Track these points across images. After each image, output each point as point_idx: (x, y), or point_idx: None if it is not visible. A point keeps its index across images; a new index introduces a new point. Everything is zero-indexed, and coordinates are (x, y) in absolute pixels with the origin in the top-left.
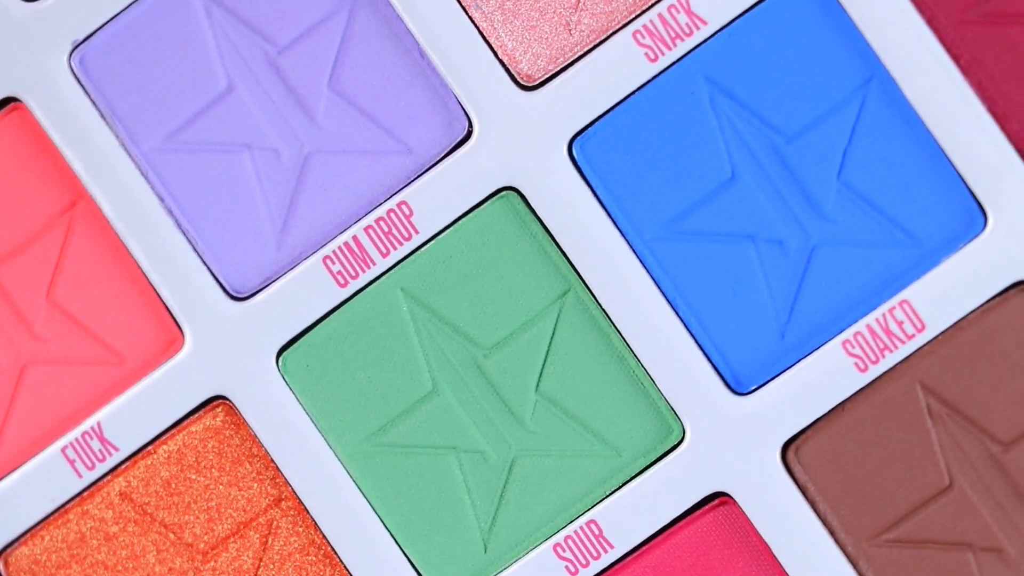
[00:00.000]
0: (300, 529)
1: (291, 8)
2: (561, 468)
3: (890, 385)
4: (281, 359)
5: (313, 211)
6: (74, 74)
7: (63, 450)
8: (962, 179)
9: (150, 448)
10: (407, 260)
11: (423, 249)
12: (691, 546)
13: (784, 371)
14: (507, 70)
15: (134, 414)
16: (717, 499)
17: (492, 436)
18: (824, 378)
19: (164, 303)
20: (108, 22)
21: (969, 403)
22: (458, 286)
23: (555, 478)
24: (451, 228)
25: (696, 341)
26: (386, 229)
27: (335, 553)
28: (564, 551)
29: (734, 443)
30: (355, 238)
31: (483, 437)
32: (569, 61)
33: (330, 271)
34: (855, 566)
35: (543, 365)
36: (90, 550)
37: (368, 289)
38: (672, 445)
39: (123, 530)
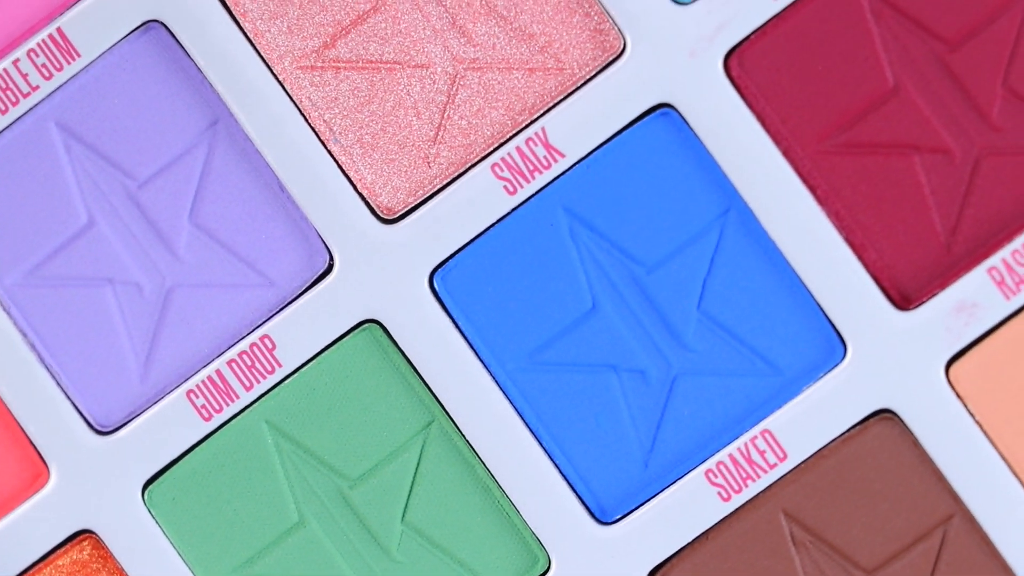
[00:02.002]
0: None
1: (150, 142)
2: None
3: (753, 514)
4: (147, 493)
5: (176, 345)
6: None
7: None
8: (821, 309)
9: None
10: (271, 393)
11: (287, 382)
12: None
13: (648, 500)
14: (367, 203)
15: (0, 550)
16: None
17: (359, 568)
18: (688, 507)
19: (28, 437)
20: None
21: (832, 531)
22: (322, 418)
23: None
24: (314, 361)
25: (560, 471)
26: (249, 362)
27: None
28: None
29: (599, 574)
30: (218, 372)
31: (350, 569)
32: (429, 194)
33: (194, 405)
34: None
35: (408, 496)
36: None
37: (232, 422)
38: (538, 575)
39: None
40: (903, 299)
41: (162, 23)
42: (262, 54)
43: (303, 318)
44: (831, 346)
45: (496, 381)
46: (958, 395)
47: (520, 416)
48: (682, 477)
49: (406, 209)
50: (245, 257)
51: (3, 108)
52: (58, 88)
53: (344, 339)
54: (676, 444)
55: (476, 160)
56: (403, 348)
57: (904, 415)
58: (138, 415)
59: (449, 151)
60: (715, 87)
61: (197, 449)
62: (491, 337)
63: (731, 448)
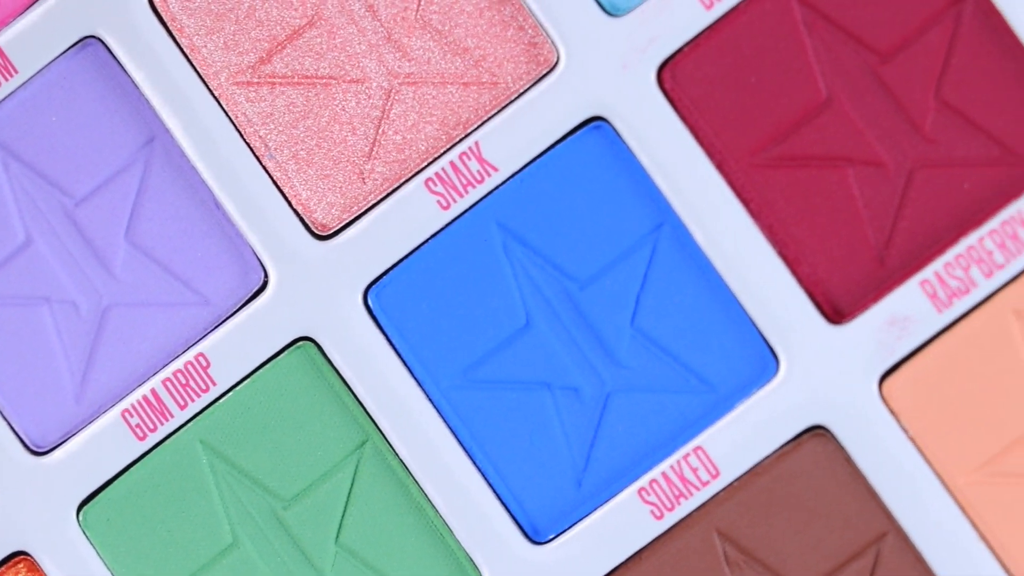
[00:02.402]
0: None
1: (87, 160)
2: None
3: (687, 532)
4: (82, 514)
5: (112, 364)
6: None
7: None
8: (754, 324)
9: None
10: (205, 412)
11: (221, 401)
12: None
13: (581, 519)
14: (302, 219)
15: None
16: None
17: None
18: (621, 526)
19: None
20: None
21: (765, 549)
22: (257, 437)
23: None
24: (249, 379)
25: (493, 490)
26: (184, 381)
27: None
28: None
29: None
30: (153, 391)
31: None
32: (363, 210)
33: (129, 424)
34: None
35: (342, 516)
36: None
37: (167, 442)
38: None
39: None
40: (836, 313)
41: (99, 39)
42: (198, 70)
43: (238, 336)
44: (764, 361)
45: (430, 399)
46: (891, 410)
47: (454, 435)
48: (615, 496)
49: (341, 225)
50: (181, 275)
51: None
52: None
53: (278, 357)
54: (610, 462)
55: (410, 175)
56: (337, 366)
57: (837, 431)
58: (73, 435)
59: (384, 166)
60: (648, 100)
61: (132, 469)
62: (425, 354)
63: (664, 466)
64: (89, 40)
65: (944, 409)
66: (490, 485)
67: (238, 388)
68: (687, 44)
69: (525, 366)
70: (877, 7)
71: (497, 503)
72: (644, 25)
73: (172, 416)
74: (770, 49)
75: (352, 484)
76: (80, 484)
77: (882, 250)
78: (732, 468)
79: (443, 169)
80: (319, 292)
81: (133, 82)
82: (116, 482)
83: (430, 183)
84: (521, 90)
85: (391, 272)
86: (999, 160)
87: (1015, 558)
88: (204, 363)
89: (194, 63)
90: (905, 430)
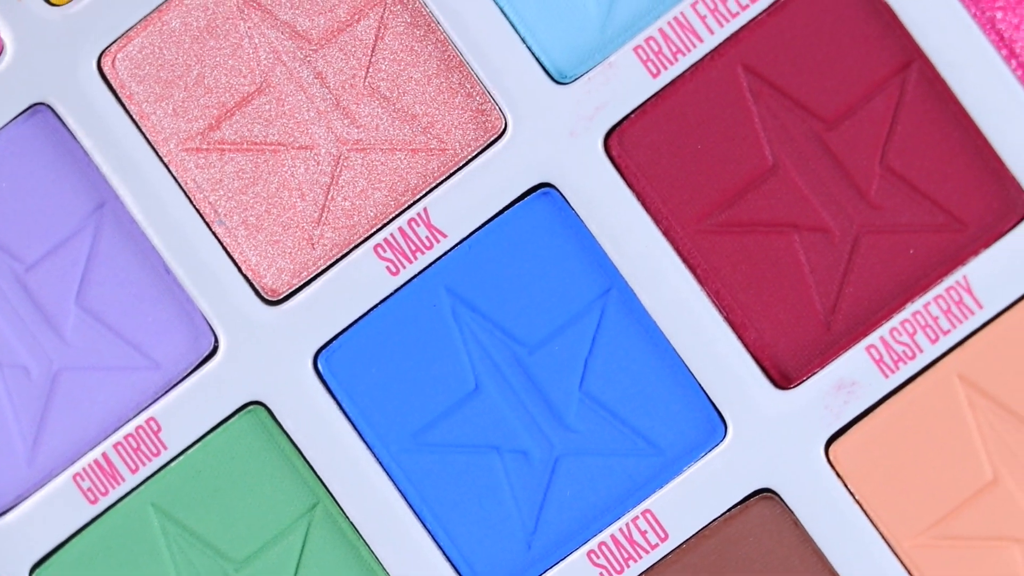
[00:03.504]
0: None
1: (37, 226)
2: None
3: None
4: None
5: (63, 428)
6: None
7: None
8: (702, 388)
9: None
10: (157, 475)
11: (172, 464)
12: None
13: None
14: (252, 285)
15: None
16: None
17: None
18: None
19: None
20: None
21: None
22: (208, 500)
23: None
24: (199, 443)
25: (444, 553)
26: (135, 445)
27: None
28: None
29: None
30: (104, 455)
31: None
32: (313, 275)
33: (80, 488)
34: None
35: None
36: None
37: (119, 505)
38: None
39: None
40: (783, 378)
41: (48, 106)
42: (148, 137)
43: (188, 401)
44: (712, 425)
45: (380, 463)
46: (838, 474)
47: (404, 498)
48: (565, 558)
49: (290, 290)
50: (131, 340)
51: None
52: None
53: (229, 421)
54: (559, 525)
55: (359, 241)
56: (287, 430)
57: (785, 494)
58: (25, 499)
59: (333, 232)
60: (595, 167)
61: (84, 532)
62: (375, 418)
63: (613, 528)
64: (38, 107)
65: (891, 472)
66: (440, 548)
67: (189, 452)
68: (634, 111)
69: (474, 430)
70: (822, 75)
71: (448, 566)
72: (591, 93)
73: (123, 480)
74: (716, 116)
75: (303, 546)
76: (32, 547)
77: (828, 315)
78: (680, 531)
79: (392, 235)
80: (269, 357)
81: (83, 149)
82: (68, 545)
83: (379, 249)
84: (469, 156)
85: (341, 337)
86: (944, 226)
87: None
88: (155, 427)
89: (143, 130)
90: (852, 493)
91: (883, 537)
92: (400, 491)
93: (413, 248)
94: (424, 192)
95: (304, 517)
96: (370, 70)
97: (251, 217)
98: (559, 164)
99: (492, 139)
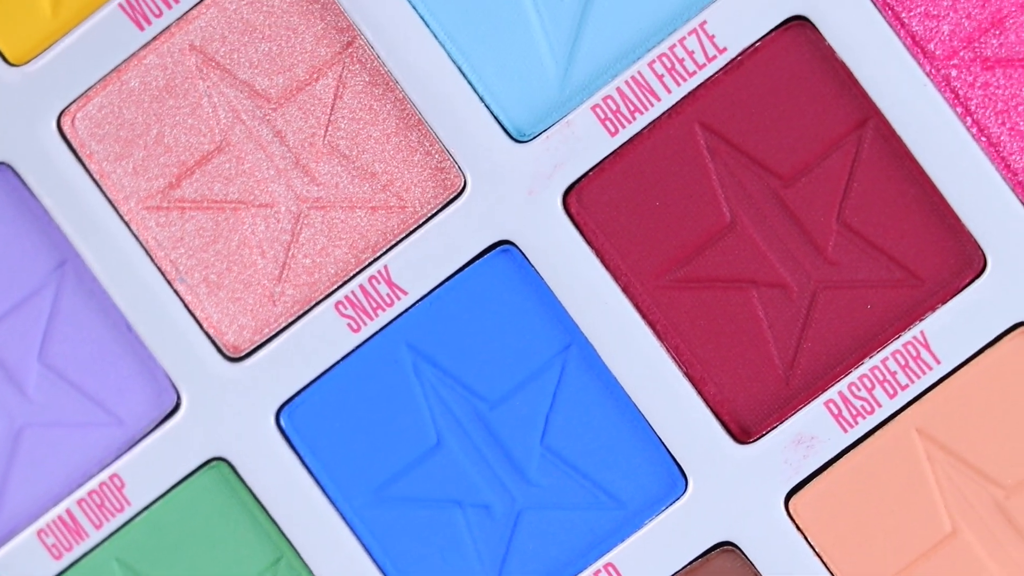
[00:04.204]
0: None
1: None
2: None
3: None
4: None
5: (27, 484)
6: None
7: None
8: (662, 443)
9: None
10: (121, 531)
11: (136, 520)
12: None
13: None
14: (213, 342)
15: None
16: None
17: None
18: None
19: None
20: None
21: None
22: (172, 556)
23: None
24: (163, 499)
25: None
26: (99, 501)
27: None
28: None
29: None
30: (68, 511)
31: None
32: (274, 332)
33: (44, 544)
34: None
35: None
36: None
37: (83, 561)
38: None
39: None
40: (743, 432)
41: (9, 165)
42: (108, 195)
43: (152, 457)
44: (672, 479)
45: (343, 517)
46: (798, 527)
47: (367, 552)
48: None
49: (252, 347)
50: (94, 396)
51: None
52: None
53: (192, 477)
54: None
55: (320, 298)
56: (251, 486)
57: (745, 547)
58: None
59: (294, 289)
60: (554, 224)
61: None
62: (337, 473)
63: None
64: None
65: (850, 526)
66: None
67: (153, 507)
68: (592, 169)
69: (437, 484)
70: (779, 133)
71: None
72: (549, 151)
73: (88, 535)
74: (674, 174)
75: None
76: None
77: (787, 370)
78: None
79: (353, 292)
80: (232, 413)
81: (44, 208)
82: None
83: (340, 306)
84: (429, 214)
85: (303, 393)
86: (901, 282)
87: None
88: (119, 483)
89: (104, 189)
90: (812, 546)
91: None
92: (363, 545)
93: (374, 305)
94: (384, 249)
95: (267, 571)
96: (329, 128)
97: (212, 275)
98: (518, 222)
99: (451, 197)
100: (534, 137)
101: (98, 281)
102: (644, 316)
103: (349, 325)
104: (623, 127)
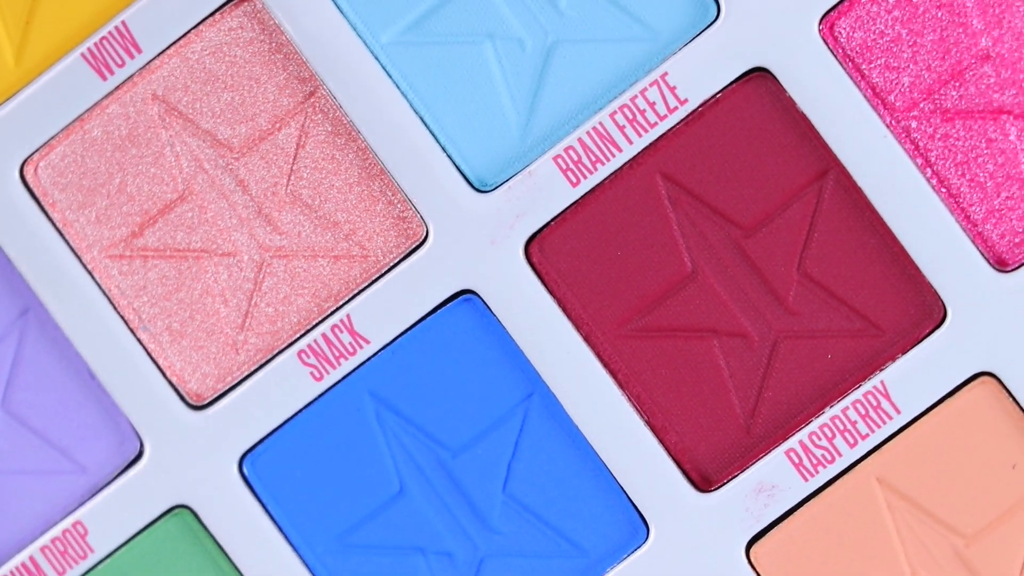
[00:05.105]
0: None
1: None
2: None
3: None
4: None
5: None
6: None
7: None
8: (624, 491)
9: None
10: None
11: (99, 567)
12: None
13: None
14: (176, 390)
15: None
16: None
17: None
18: None
19: None
20: None
21: None
22: None
23: None
24: (126, 546)
25: None
26: (62, 548)
27: None
28: None
29: None
30: (32, 558)
31: None
32: (237, 380)
33: None
34: None
35: None
36: None
37: None
38: None
39: None
40: (704, 481)
41: None
42: (71, 244)
43: (115, 504)
44: (634, 527)
45: (306, 564)
46: (759, 575)
47: None
48: None
49: (215, 395)
50: (57, 444)
51: None
52: None
53: (155, 524)
54: None
55: (283, 347)
56: (214, 533)
57: None
58: None
59: (257, 338)
60: (516, 273)
61: None
62: (300, 521)
63: None
64: None
65: (811, 574)
66: None
67: (116, 555)
68: (554, 219)
69: (399, 532)
70: (740, 183)
71: None
72: (511, 201)
73: None
74: (635, 223)
75: None
76: None
77: (748, 419)
78: None
79: (315, 341)
80: (195, 461)
81: (6, 256)
82: None
83: (303, 355)
84: (391, 263)
85: (266, 441)
86: (861, 332)
87: None
88: (82, 531)
89: (67, 237)
90: None
91: None
92: None
93: (337, 354)
94: (347, 298)
95: None
96: (292, 178)
97: (175, 323)
98: (480, 271)
99: (414, 246)
100: (496, 187)
101: (61, 329)
102: (606, 365)
103: (312, 373)
104: (585, 177)
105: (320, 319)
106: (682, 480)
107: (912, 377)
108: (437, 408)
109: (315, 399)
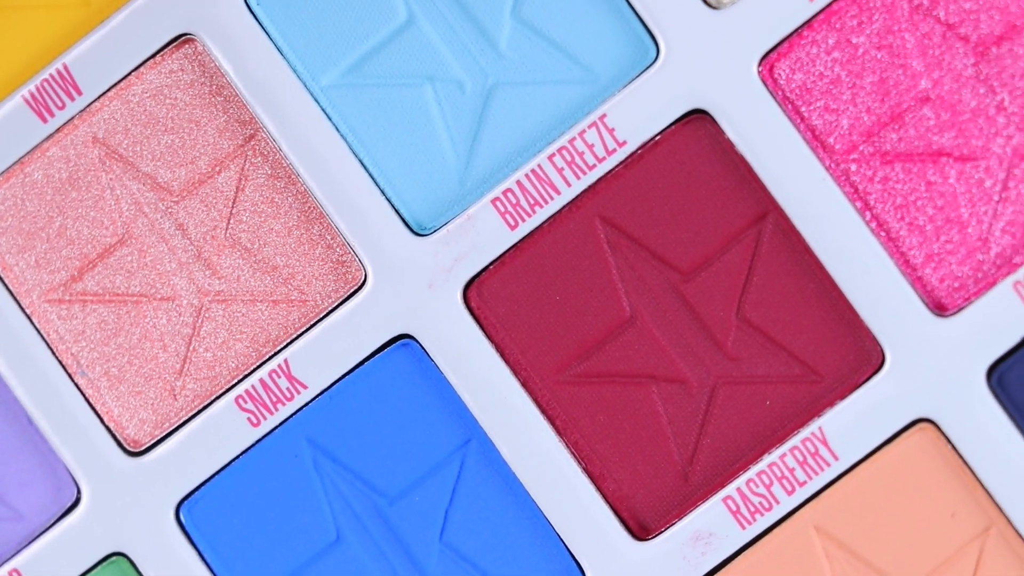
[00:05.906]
0: None
1: None
2: None
3: None
4: None
5: None
6: None
7: None
8: (560, 539)
9: None
10: None
11: None
12: None
13: None
14: (114, 436)
15: None
16: None
17: None
18: None
19: None
20: None
21: None
22: None
23: None
24: None
25: None
26: None
27: None
28: None
29: None
30: None
31: None
32: (175, 426)
33: None
34: None
35: None
36: None
37: None
38: None
39: None
40: (641, 529)
41: None
42: (10, 287)
43: (51, 552)
44: (567, 569)
45: None
46: None
47: None
48: None
49: (152, 441)
50: None
51: None
52: None
53: (92, 572)
54: None
55: (221, 392)
56: None
57: None
58: None
59: (195, 383)
60: (454, 318)
61: None
62: (237, 568)
63: None
64: None
65: None
66: None
67: None
68: (493, 263)
69: None
70: (679, 227)
71: None
72: (450, 244)
73: None
74: (574, 268)
75: None
76: None
77: (686, 466)
78: None
79: (253, 386)
80: (132, 508)
81: None
82: None
83: (240, 400)
84: (329, 308)
85: (203, 488)
86: (800, 378)
87: None
88: None
89: (6, 281)
90: None
91: None
92: None
93: (274, 399)
94: (285, 343)
95: None
96: (231, 221)
97: (113, 368)
98: (418, 316)
99: (352, 290)
100: (435, 231)
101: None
102: (544, 411)
103: (249, 419)
104: (523, 220)
105: (258, 364)
106: (619, 528)
107: (851, 423)
108: (374, 454)
109: (252, 445)
